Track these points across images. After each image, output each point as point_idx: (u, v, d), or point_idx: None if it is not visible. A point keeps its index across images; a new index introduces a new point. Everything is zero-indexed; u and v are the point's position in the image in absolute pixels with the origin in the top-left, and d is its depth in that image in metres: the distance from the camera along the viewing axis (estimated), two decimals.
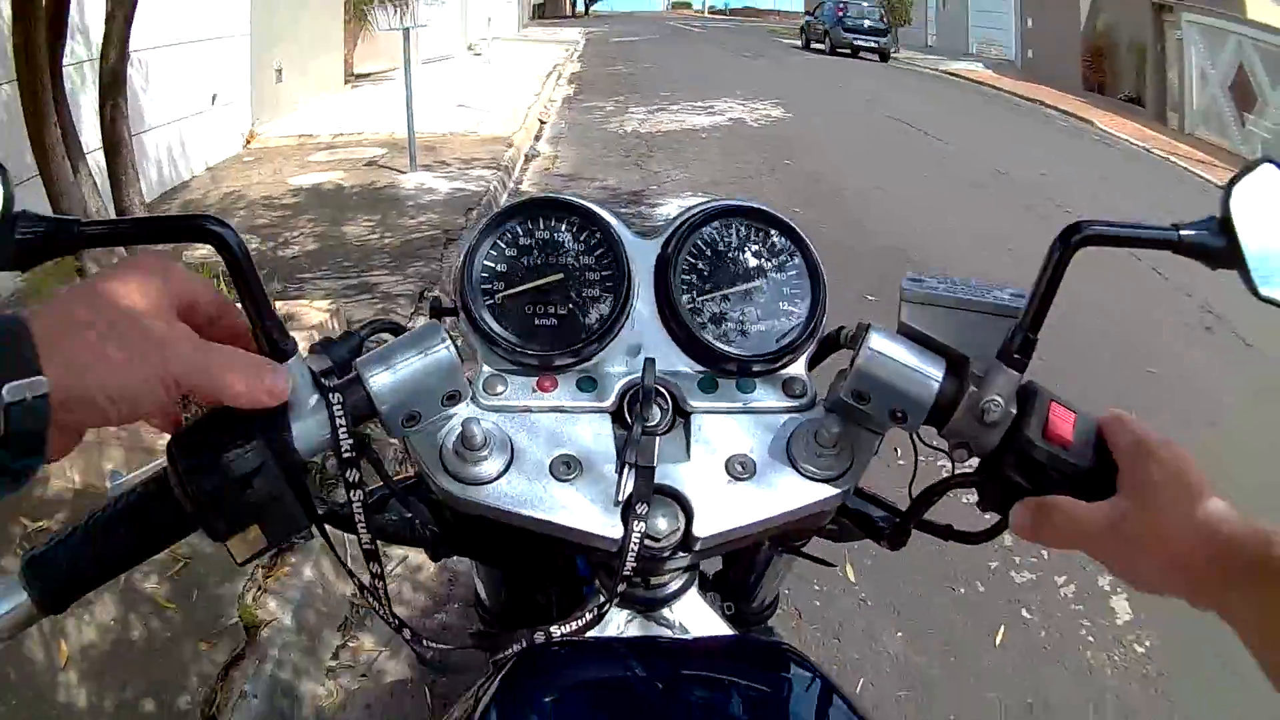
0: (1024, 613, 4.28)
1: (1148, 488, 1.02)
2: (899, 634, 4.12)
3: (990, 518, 1.23)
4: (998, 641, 4.10)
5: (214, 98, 12.58)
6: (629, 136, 16.43)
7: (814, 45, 40.66)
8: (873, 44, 37.19)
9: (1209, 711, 3.78)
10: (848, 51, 37.59)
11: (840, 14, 37.75)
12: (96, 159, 5.24)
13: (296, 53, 16.45)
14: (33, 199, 4.83)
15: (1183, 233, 1.07)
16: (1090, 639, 4.13)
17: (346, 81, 20.49)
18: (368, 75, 22.27)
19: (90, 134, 5.89)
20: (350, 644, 3.92)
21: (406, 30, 11.75)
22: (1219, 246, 1.07)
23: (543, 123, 17.75)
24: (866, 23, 37.63)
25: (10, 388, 0.76)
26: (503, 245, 1.37)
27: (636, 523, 1.14)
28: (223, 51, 12.82)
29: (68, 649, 3.46)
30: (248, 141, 13.84)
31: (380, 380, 1.12)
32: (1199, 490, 1.00)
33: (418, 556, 4.31)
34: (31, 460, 0.80)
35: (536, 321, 1.34)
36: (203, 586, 3.77)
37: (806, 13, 46.34)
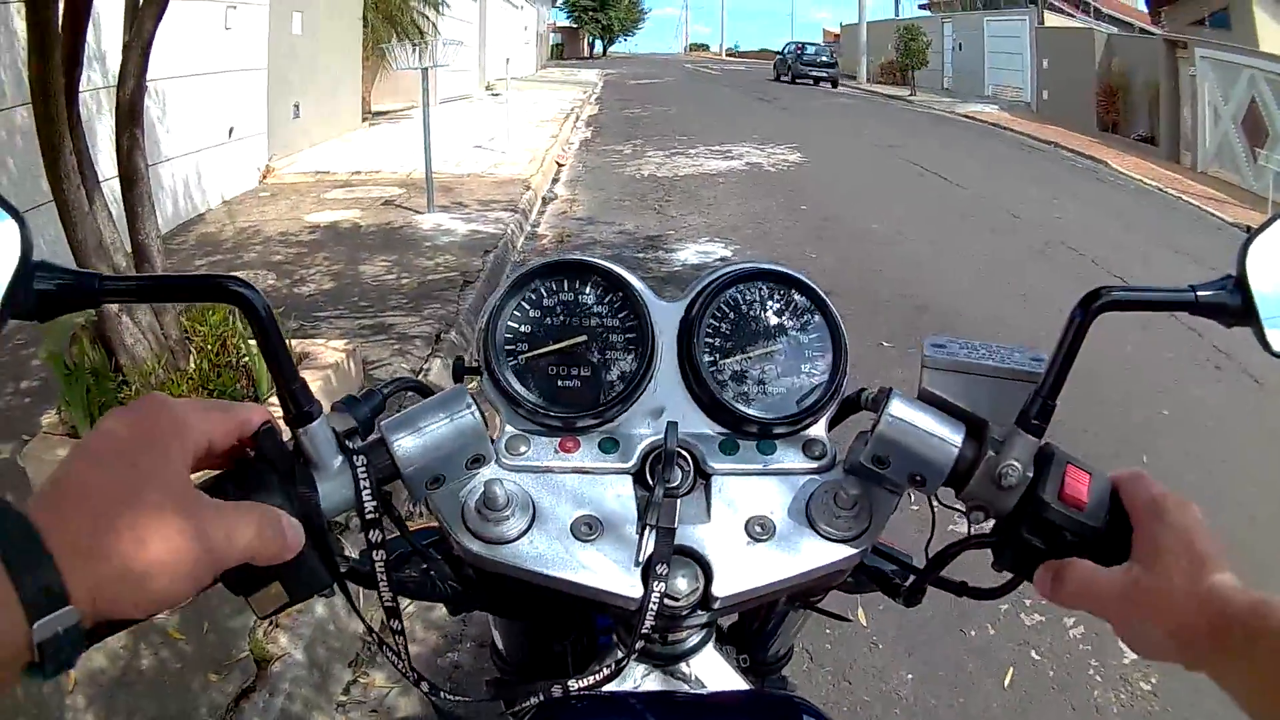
0: (1033, 654, 4.26)
1: (1157, 554, 1.03)
2: (909, 676, 4.10)
3: (1004, 575, 1.24)
4: (1007, 682, 4.08)
5: (230, 131, 12.66)
6: (646, 180, 16.50)
7: (782, 78, 52.90)
8: (823, 74, 49.63)
9: None
10: (809, 81, 49.63)
11: (799, 53, 52.54)
12: (112, 187, 5.24)
13: (314, 89, 16.55)
14: (47, 226, 4.85)
15: (1199, 293, 1.08)
16: (1098, 678, 4.12)
17: (364, 119, 20.62)
18: (385, 113, 22.42)
19: (106, 163, 5.90)
20: (361, 680, 3.91)
21: (425, 70, 11.77)
22: (1235, 305, 1.08)
23: (560, 165, 17.85)
24: (821, 58, 51.31)
25: (40, 626, 0.72)
26: (526, 306, 1.39)
27: (656, 583, 1.15)
28: (240, 85, 12.93)
29: (76, 675, 3.45)
30: (264, 176, 13.93)
31: (405, 444, 1.13)
32: (1206, 559, 1.00)
33: None
34: (64, 671, 0.76)
35: (560, 383, 1.36)
36: (214, 619, 3.76)
37: (777, 53, 61.21)
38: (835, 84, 48.97)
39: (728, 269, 1.42)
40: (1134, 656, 4.06)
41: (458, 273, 9.25)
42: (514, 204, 12.64)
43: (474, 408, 1.17)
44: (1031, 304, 9.41)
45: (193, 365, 5.19)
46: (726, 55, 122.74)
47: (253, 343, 5.26)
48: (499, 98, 22.42)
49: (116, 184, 5.19)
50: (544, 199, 14.46)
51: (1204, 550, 1.01)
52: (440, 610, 4.22)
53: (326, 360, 5.82)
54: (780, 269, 1.42)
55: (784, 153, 20.42)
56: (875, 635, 4.31)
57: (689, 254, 11.07)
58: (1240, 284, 1.08)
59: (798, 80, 50.22)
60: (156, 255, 5.23)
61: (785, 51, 55.75)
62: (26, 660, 0.73)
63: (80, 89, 4.74)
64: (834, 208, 14.14)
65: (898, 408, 1.18)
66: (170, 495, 0.84)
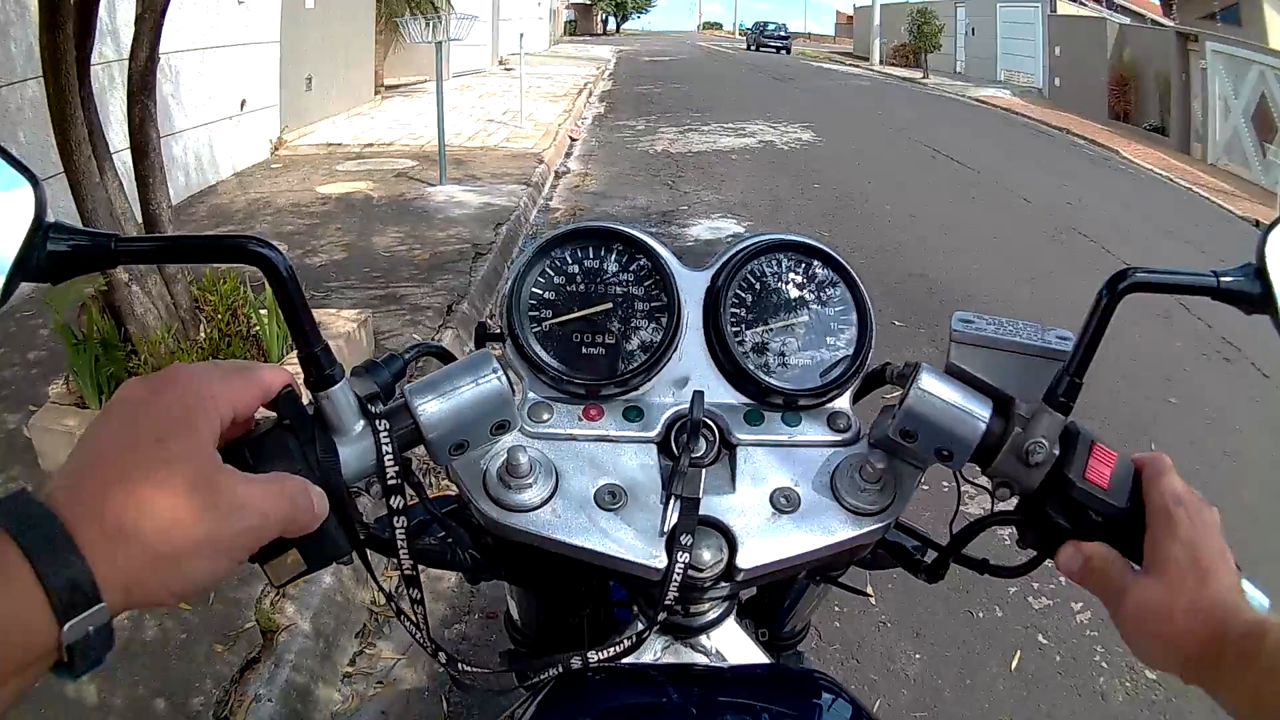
0: (1040, 638, 4.25)
1: (1163, 564, 1.04)
2: (917, 656, 4.10)
3: (1027, 553, 1.24)
4: (1014, 666, 4.07)
5: (243, 104, 12.65)
6: (659, 156, 16.44)
7: (749, 48, 69.41)
8: (780, 44, 67.09)
9: None
10: (772, 49, 65.56)
11: (762, 29, 70.92)
12: (123, 159, 5.24)
13: (327, 62, 16.50)
14: (57, 198, 4.82)
15: (1222, 279, 1.09)
16: (1104, 665, 4.11)
17: (376, 92, 20.54)
18: (398, 87, 22.36)
19: (117, 136, 5.89)
20: (367, 651, 3.92)
21: (439, 44, 11.74)
22: (1255, 293, 1.08)
23: (573, 140, 17.80)
24: (779, 34, 68.70)
25: (70, 628, 0.69)
26: (551, 273, 1.37)
27: (680, 554, 1.13)
28: (252, 58, 12.91)
29: None
30: (275, 149, 13.91)
31: (430, 409, 1.11)
32: (1210, 574, 1.01)
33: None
34: (95, 668, 0.73)
35: (584, 350, 1.34)
36: (220, 590, 3.76)
37: (747, 29, 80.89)
38: (789, 51, 65.93)
39: (755, 239, 1.41)
40: None
41: (470, 244, 9.25)
42: (527, 177, 12.59)
43: (500, 372, 1.14)
44: (1042, 288, 9.41)
45: (203, 335, 5.18)
46: (740, 34, 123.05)
47: (264, 312, 5.25)
48: (512, 72, 22.35)
49: (128, 156, 5.18)
50: (557, 173, 14.44)
51: (1209, 565, 1.02)
52: (447, 582, 4.23)
53: (338, 330, 5.85)
54: (808, 241, 1.41)
55: (797, 131, 20.35)
56: (884, 615, 4.31)
57: (701, 229, 11.04)
58: (1260, 273, 1.08)
59: (761, 49, 67.29)
60: (167, 225, 5.21)
61: (753, 28, 74.47)
62: (54, 660, 0.71)
63: (92, 62, 4.71)
64: (847, 187, 14.10)
65: (927, 381, 1.17)
66: (201, 473, 0.80)
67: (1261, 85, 19.01)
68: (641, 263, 1.38)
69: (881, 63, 49.42)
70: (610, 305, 1.36)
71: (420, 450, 1.15)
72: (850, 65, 49.55)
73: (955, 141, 20.05)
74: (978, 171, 16.54)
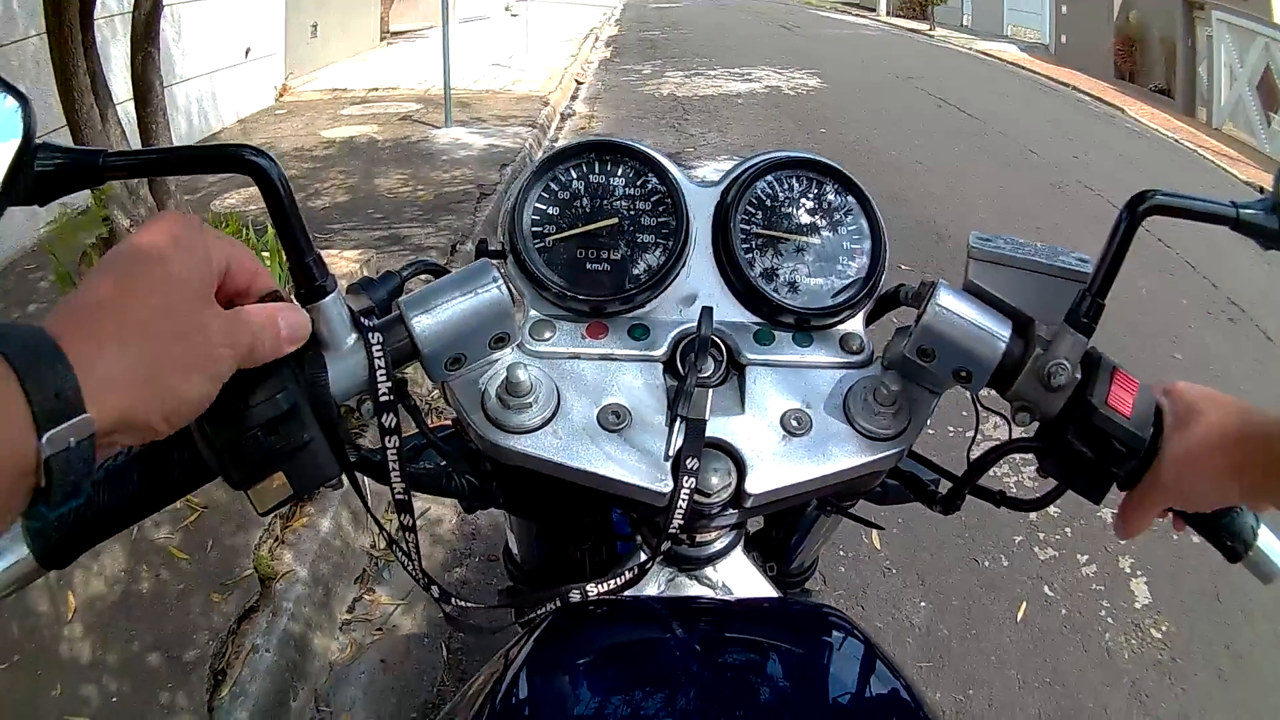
0: (1046, 590, 4.24)
1: (1184, 418, 1.10)
2: (922, 604, 4.09)
3: (1047, 484, 1.23)
4: (1020, 618, 4.06)
5: (247, 51, 12.55)
6: (665, 100, 16.30)
7: None
8: None
9: (1221, 704, 3.72)
10: None
11: None
12: (126, 110, 5.22)
13: (332, 8, 16.42)
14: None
15: (1241, 211, 1.10)
16: (1110, 620, 4.09)
17: (382, 38, 20.45)
18: (403, 33, 22.22)
19: (121, 87, 5.86)
20: (366, 597, 3.91)
21: None
22: (1273, 227, 1.08)
23: (579, 83, 17.70)
24: None
25: (51, 436, 0.67)
26: (555, 188, 1.34)
27: (687, 478, 1.10)
28: (257, 6, 12.80)
29: (75, 601, 3.44)
30: (280, 95, 13.81)
31: (425, 320, 1.08)
32: (1228, 402, 1.10)
33: (438, 510, 4.30)
34: (72, 503, 0.71)
35: (588, 266, 1.31)
36: (217, 537, 3.74)
37: None
38: None
39: (765, 155, 1.38)
40: (1146, 601, 4.09)
41: (474, 185, 9.22)
42: (532, 119, 12.51)
43: (499, 281, 1.12)
44: (1050, 238, 9.21)
45: None
46: None
47: (266, 255, 5.22)
48: (519, 17, 22.29)
49: (131, 107, 5.16)
50: (562, 115, 14.36)
51: (1224, 398, 1.11)
52: (447, 524, 4.24)
53: (341, 269, 5.83)
54: (820, 159, 1.38)
55: (803, 78, 20.22)
56: (888, 561, 4.31)
57: (707, 171, 10.77)
58: (1277, 207, 1.08)
59: None
60: None
61: None
62: (32, 485, 0.69)
63: (95, 15, 4.68)
64: (852, 133, 14.00)
65: (945, 298, 1.15)
66: (192, 299, 0.82)
67: (1266, 57, 18.92)
68: (648, 179, 1.34)
69: (888, 14, 48.96)
70: (616, 220, 1.33)
71: (421, 381, 1.13)
72: (857, 15, 49.01)
73: (961, 92, 19.89)
74: (984, 122, 16.40)
